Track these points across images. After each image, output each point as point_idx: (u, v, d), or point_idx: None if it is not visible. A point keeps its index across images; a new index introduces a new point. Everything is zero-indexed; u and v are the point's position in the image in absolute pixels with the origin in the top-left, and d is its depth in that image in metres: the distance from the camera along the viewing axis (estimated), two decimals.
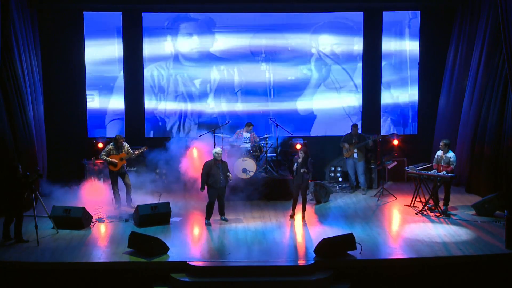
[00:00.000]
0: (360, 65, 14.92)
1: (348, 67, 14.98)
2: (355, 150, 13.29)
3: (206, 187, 11.18)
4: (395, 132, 14.84)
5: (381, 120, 15.08)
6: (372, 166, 13.83)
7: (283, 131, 13.76)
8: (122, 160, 12.25)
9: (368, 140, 13.33)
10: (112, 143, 12.38)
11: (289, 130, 13.81)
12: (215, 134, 13.26)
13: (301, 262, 9.39)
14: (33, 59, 13.32)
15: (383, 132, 14.95)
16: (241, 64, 14.80)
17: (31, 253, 9.62)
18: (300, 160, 11.30)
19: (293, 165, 11.41)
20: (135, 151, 12.43)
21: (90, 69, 14.52)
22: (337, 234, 9.89)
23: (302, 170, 11.24)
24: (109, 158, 12.19)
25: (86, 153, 13.92)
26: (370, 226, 11.07)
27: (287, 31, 14.79)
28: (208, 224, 11.11)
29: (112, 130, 14.64)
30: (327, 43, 14.87)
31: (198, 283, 9.02)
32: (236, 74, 14.83)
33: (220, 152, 11.17)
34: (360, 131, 13.94)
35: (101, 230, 10.94)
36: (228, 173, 11.20)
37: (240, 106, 14.87)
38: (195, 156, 13.24)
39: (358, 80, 14.97)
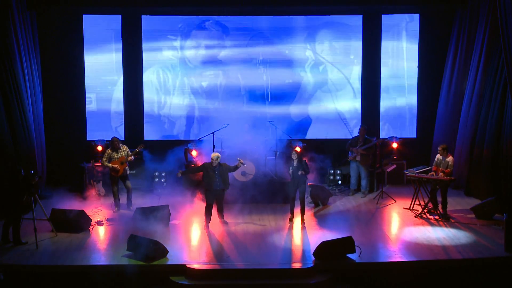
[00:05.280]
0: (357, 68, 14.94)
1: (345, 70, 14.98)
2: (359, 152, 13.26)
3: (204, 190, 11.25)
4: (394, 135, 14.84)
5: (380, 124, 15.09)
6: (370, 169, 13.82)
7: (282, 134, 13.75)
8: (123, 164, 12.22)
9: (374, 142, 13.26)
10: (109, 148, 12.33)
11: (287, 133, 13.80)
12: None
13: (300, 265, 9.39)
14: (33, 62, 13.31)
15: (381, 135, 14.95)
16: (239, 67, 14.78)
17: (30, 256, 9.61)
18: (294, 163, 11.29)
19: (288, 168, 11.35)
20: (133, 152, 12.40)
21: (89, 72, 14.54)
22: (336, 237, 9.89)
23: (299, 173, 11.24)
24: (110, 165, 12.14)
25: (85, 156, 13.91)
26: (369, 229, 11.07)
27: (286, 34, 14.79)
28: (207, 227, 11.10)
29: (112, 133, 14.61)
30: (325, 46, 14.87)
31: (197, 286, 9.00)
32: (235, 77, 14.82)
33: (216, 158, 11.07)
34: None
35: (100, 233, 10.93)
36: (239, 159, 11.21)
37: (243, 108, 14.82)
38: (194, 158, 13.25)
39: (356, 84, 14.97)
